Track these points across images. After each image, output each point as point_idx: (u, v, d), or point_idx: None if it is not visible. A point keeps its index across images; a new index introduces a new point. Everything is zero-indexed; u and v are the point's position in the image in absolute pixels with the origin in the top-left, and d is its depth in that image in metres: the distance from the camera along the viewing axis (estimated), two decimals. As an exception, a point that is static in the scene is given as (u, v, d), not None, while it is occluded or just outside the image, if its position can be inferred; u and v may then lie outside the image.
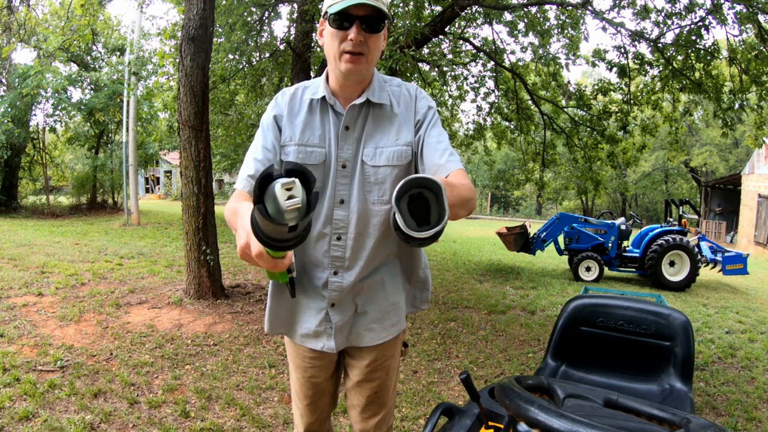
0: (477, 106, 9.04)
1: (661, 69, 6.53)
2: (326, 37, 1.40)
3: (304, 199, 0.81)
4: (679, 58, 6.12)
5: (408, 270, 1.57)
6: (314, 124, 1.44)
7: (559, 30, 6.94)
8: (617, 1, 5.88)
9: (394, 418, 1.76)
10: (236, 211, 1.15)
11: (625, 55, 6.55)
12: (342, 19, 1.33)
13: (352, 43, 1.33)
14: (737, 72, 6.02)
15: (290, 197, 0.79)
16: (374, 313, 1.52)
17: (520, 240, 9.40)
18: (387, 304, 1.52)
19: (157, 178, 34.95)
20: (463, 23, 7.61)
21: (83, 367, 3.41)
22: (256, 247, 0.92)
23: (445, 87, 9.13)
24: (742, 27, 5.49)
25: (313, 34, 6.31)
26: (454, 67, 8.33)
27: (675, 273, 8.57)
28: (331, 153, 1.43)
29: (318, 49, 6.07)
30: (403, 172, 1.44)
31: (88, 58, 16.95)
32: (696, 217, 12.61)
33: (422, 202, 0.97)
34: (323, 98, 1.44)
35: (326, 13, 1.37)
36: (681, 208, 10.03)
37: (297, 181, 0.80)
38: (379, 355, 1.56)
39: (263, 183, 0.79)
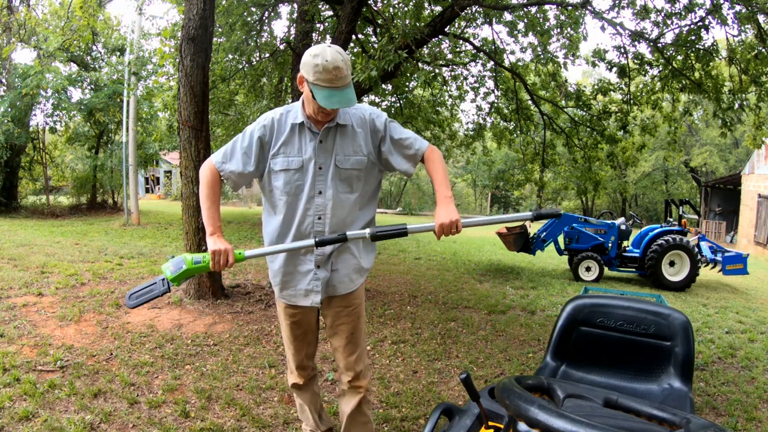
0: (477, 106, 9.01)
1: (660, 69, 6.51)
2: (305, 94, 1.88)
3: None
4: (679, 58, 6.10)
5: (366, 243, 2.15)
6: (294, 141, 1.97)
7: (559, 30, 6.93)
8: (617, 1, 5.87)
9: (368, 358, 2.47)
10: (208, 214, 1.95)
11: (625, 55, 6.54)
12: None
13: (325, 113, 1.87)
14: (737, 72, 6.02)
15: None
16: (344, 270, 2.08)
17: (520, 240, 9.39)
18: (353, 263, 2.09)
19: (157, 178, 34.92)
20: (463, 23, 7.61)
21: (83, 367, 3.40)
22: (231, 256, 1.87)
23: (445, 87, 9.13)
24: (742, 27, 5.48)
25: (314, 34, 6.31)
26: (454, 66, 8.33)
27: (675, 273, 8.57)
28: (309, 160, 1.95)
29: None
30: (364, 173, 2.02)
31: (88, 58, 16.92)
32: (696, 217, 12.60)
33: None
34: (302, 123, 1.96)
35: (307, 81, 1.81)
36: (681, 208, 10.02)
37: None
38: (349, 302, 2.13)
39: None
